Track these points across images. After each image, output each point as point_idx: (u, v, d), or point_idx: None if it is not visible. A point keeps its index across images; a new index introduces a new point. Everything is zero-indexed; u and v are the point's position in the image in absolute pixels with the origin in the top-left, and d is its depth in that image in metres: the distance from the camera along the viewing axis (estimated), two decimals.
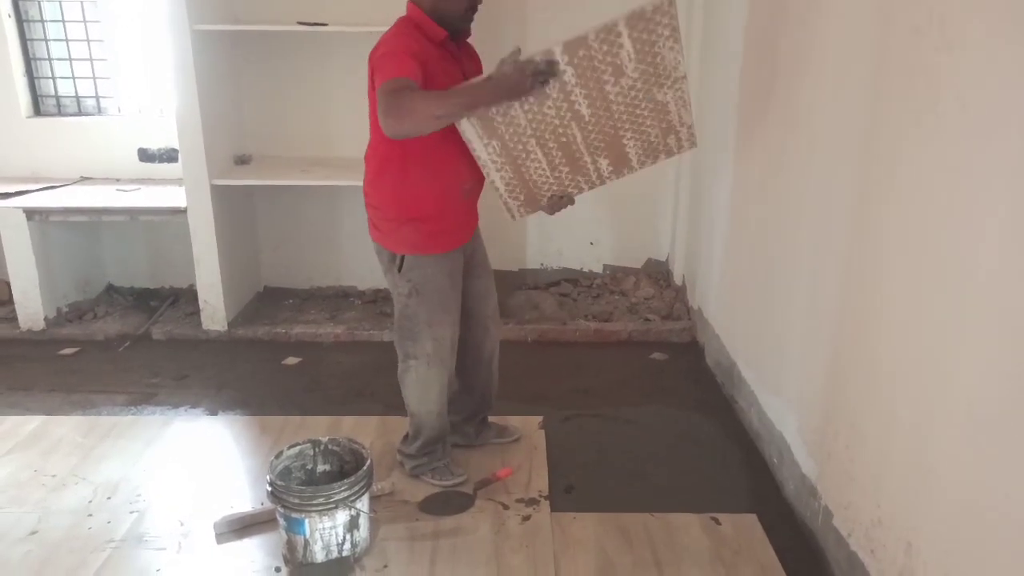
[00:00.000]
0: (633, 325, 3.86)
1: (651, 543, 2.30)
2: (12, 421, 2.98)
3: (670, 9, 2.09)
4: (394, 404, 2.58)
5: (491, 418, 2.83)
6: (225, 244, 3.77)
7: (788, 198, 2.56)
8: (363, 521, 2.21)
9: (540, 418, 3.01)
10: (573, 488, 2.61)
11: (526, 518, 2.42)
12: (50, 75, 4.13)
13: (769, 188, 2.77)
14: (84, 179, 4.10)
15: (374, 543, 2.29)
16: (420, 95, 2.03)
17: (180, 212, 3.67)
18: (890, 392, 1.85)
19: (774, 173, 2.70)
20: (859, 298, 2.02)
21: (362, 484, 2.17)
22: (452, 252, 2.41)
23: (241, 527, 2.36)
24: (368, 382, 3.32)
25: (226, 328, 3.82)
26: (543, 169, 2.30)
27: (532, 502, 2.50)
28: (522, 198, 2.37)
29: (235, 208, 3.90)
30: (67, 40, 4.07)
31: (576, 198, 2.41)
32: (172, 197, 3.76)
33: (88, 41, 4.07)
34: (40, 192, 3.84)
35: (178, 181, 3.76)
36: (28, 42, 4.05)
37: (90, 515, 2.42)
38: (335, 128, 4.04)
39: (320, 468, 2.36)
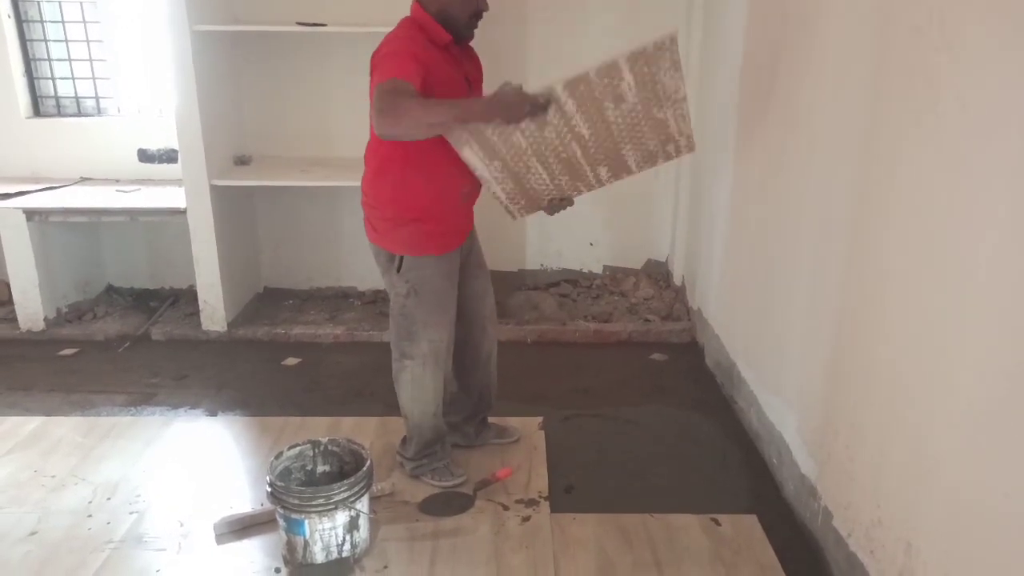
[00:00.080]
0: (633, 326, 3.86)
1: (651, 543, 2.30)
2: (12, 421, 2.98)
3: (671, 46, 2.09)
4: (394, 404, 2.58)
5: (491, 419, 2.83)
6: (225, 245, 3.77)
7: (788, 198, 2.56)
8: (363, 522, 2.21)
9: (540, 419, 3.01)
10: (573, 488, 2.61)
11: (526, 519, 2.42)
12: (50, 76, 4.13)
13: (769, 188, 2.77)
14: (84, 180, 4.10)
15: (374, 544, 2.29)
16: (416, 101, 2.01)
17: (180, 213, 3.67)
18: (890, 392, 1.85)
19: (774, 173, 2.70)
20: (859, 298, 2.02)
21: (362, 485, 2.17)
22: (450, 253, 2.41)
23: (241, 528, 2.36)
24: (368, 382, 3.32)
25: (226, 329, 3.82)
26: (544, 180, 2.33)
27: (532, 503, 2.50)
28: (523, 203, 2.41)
29: (235, 209, 3.90)
30: (67, 41, 4.07)
31: (576, 207, 2.45)
32: (172, 198, 3.76)
33: (88, 42, 4.07)
34: (40, 193, 3.84)
35: (178, 182, 3.76)
36: (28, 43, 4.05)
37: (90, 515, 2.42)
38: (334, 128, 4.04)
39: (320, 469, 2.36)
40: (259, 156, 4.04)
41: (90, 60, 4.10)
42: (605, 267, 4.43)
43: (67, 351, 3.69)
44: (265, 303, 4.21)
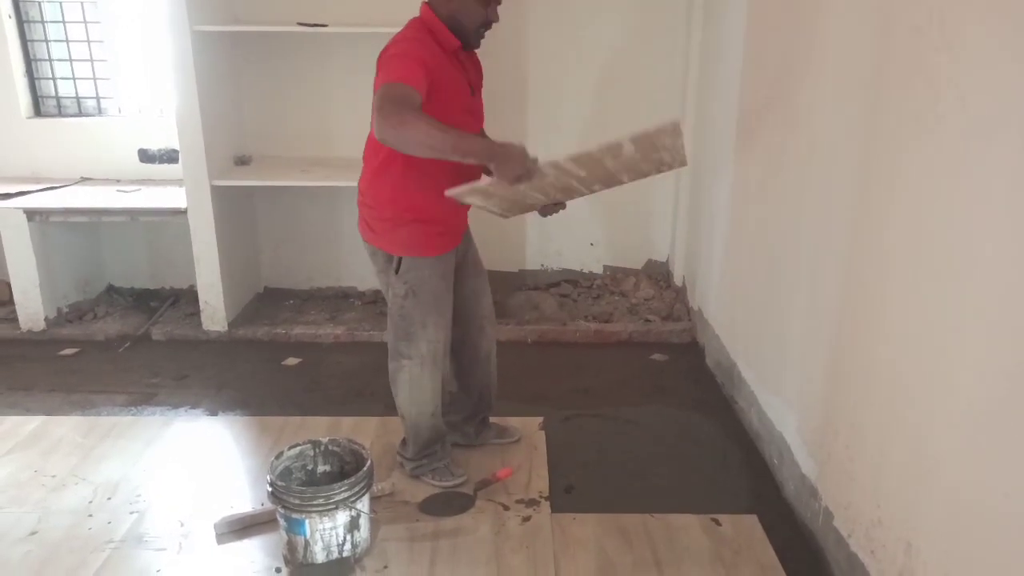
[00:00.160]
0: (633, 326, 3.86)
1: (651, 544, 2.30)
2: (12, 421, 2.98)
3: (675, 130, 2.11)
4: (394, 404, 2.58)
5: (492, 419, 2.83)
6: (225, 245, 3.77)
7: (788, 198, 2.56)
8: (363, 522, 2.21)
9: (540, 419, 3.01)
10: (573, 488, 2.61)
11: (526, 519, 2.42)
12: (50, 76, 4.13)
13: (769, 188, 2.77)
14: (84, 180, 4.11)
15: (374, 544, 2.29)
16: (423, 120, 1.97)
17: (180, 213, 3.67)
18: (890, 392, 1.85)
19: (774, 173, 2.71)
20: (859, 298, 2.02)
21: (362, 485, 2.17)
22: (446, 254, 2.41)
23: (241, 528, 2.36)
24: (368, 382, 3.33)
25: (226, 328, 3.82)
26: (538, 199, 2.35)
27: (532, 503, 2.50)
28: (516, 211, 2.45)
29: (235, 209, 3.91)
30: (67, 41, 4.08)
31: (576, 202, 2.46)
32: (172, 198, 3.76)
33: (88, 42, 4.07)
34: (40, 193, 3.84)
35: (178, 182, 3.77)
36: (28, 43, 4.05)
37: (90, 515, 2.42)
38: (335, 128, 4.04)
39: (320, 469, 2.37)
40: (260, 156, 4.04)
41: (91, 60, 4.10)
42: (605, 267, 4.43)
43: (67, 351, 3.69)
44: (265, 303, 4.21)
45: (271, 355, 3.66)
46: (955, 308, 1.58)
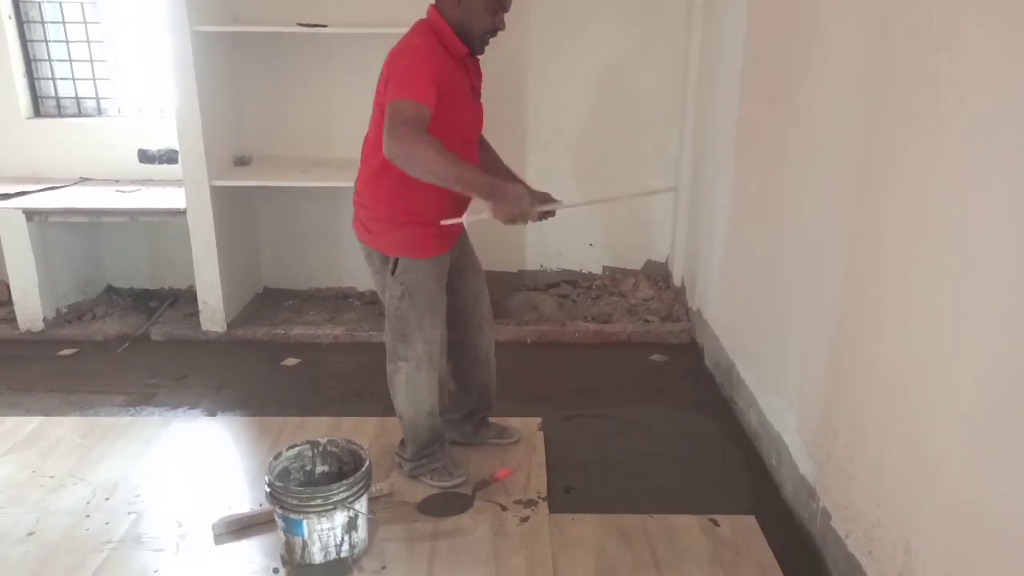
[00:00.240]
0: (632, 326, 3.86)
1: (650, 544, 2.30)
2: (11, 422, 2.98)
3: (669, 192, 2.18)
4: (393, 405, 2.58)
5: (491, 419, 2.83)
6: (224, 245, 3.77)
7: (788, 198, 2.56)
8: (361, 522, 2.21)
9: (539, 419, 3.00)
10: (572, 489, 2.60)
11: (525, 519, 2.42)
12: (50, 76, 4.13)
13: (769, 188, 2.77)
14: (84, 180, 4.10)
15: (372, 544, 2.29)
16: (433, 150, 2.02)
17: (180, 213, 3.67)
18: (889, 392, 1.85)
19: (774, 173, 2.70)
20: (859, 298, 2.02)
21: (361, 485, 2.17)
22: (442, 256, 2.41)
23: (239, 528, 2.35)
24: (367, 383, 3.32)
25: (225, 329, 3.82)
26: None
27: (531, 503, 2.50)
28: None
29: (235, 209, 3.90)
30: (67, 41, 4.07)
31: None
32: (172, 198, 3.76)
33: (88, 42, 4.07)
34: (40, 193, 3.84)
35: (178, 182, 3.76)
36: (28, 43, 4.05)
37: (88, 516, 2.42)
38: (335, 129, 4.04)
39: (319, 469, 2.36)
40: (260, 157, 4.04)
41: (91, 61, 4.10)
42: (605, 268, 4.42)
43: (66, 351, 3.69)
44: (265, 303, 4.21)
45: (270, 355, 3.66)
46: (955, 308, 1.58)
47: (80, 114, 4.18)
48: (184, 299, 4.18)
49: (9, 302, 3.88)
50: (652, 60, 4.00)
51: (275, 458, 2.27)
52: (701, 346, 3.66)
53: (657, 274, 4.38)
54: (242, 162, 3.92)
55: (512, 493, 2.54)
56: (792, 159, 2.53)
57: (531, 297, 4.17)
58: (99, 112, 4.19)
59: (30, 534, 2.33)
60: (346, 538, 2.17)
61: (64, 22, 4.04)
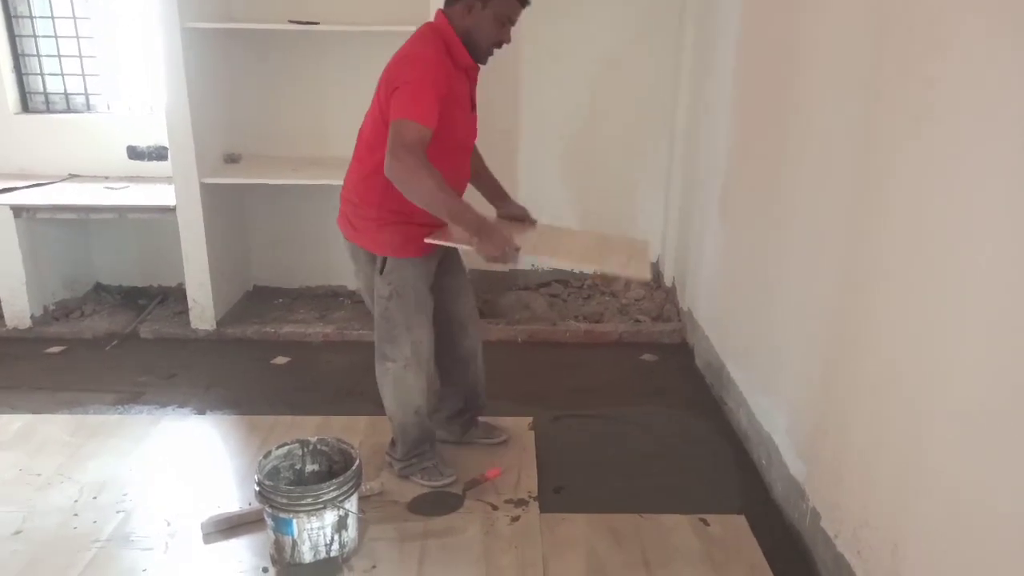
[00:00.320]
0: (623, 326, 3.86)
1: (640, 544, 2.30)
2: None
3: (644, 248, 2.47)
4: (383, 404, 2.58)
5: (481, 418, 2.83)
6: (214, 243, 3.75)
7: (781, 199, 2.57)
8: (351, 521, 2.20)
9: (530, 419, 3.01)
10: (562, 489, 2.60)
11: (515, 519, 2.42)
12: (39, 71, 4.09)
13: (761, 189, 2.77)
14: (72, 176, 4.07)
15: (362, 543, 2.28)
16: (431, 178, 2.07)
17: (169, 210, 3.65)
18: (879, 394, 1.86)
19: (766, 174, 2.71)
20: (850, 300, 2.03)
21: (351, 484, 2.16)
22: (429, 256, 2.41)
23: (229, 527, 2.34)
24: (358, 382, 3.31)
25: (215, 327, 3.80)
26: None
27: (521, 503, 2.50)
28: None
29: (225, 207, 3.89)
30: (56, 36, 4.04)
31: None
32: (161, 195, 3.74)
33: (77, 38, 4.04)
34: (28, 189, 3.80)
35: (167, 179, 3.74)
36: (17, 38, 4.01)
37: (76, 514, 2.40)
38: (326, 127, 4.03)
39: (309, 468, 2.35)
40: (250, 154, 4.02)
41: (80, 56, 4.07)
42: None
43: (54, 349, 3.66)
44: (255, 301, 4.19)
45: (260, 354, 3.64)
46: (947, 311, 1.59)
47: (69, 110, 4.15)
48: (173, 297, 4.16)
49: None
50: (645, 57, 4.01)
51: (265, 457, 2.26)
52: (692, 346, 3.67)
53: None
54: (232, 159, 3.91)
55: (503, 493, 2.54)
56: (786, 159, 2.53)
57: (522, 296, 4.17)
58: (88, 108, 4.16)
59: (17, 533, 2.31)
60: (336, 537, 2.16)
61: (53, 17, 4.01)
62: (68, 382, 3.33)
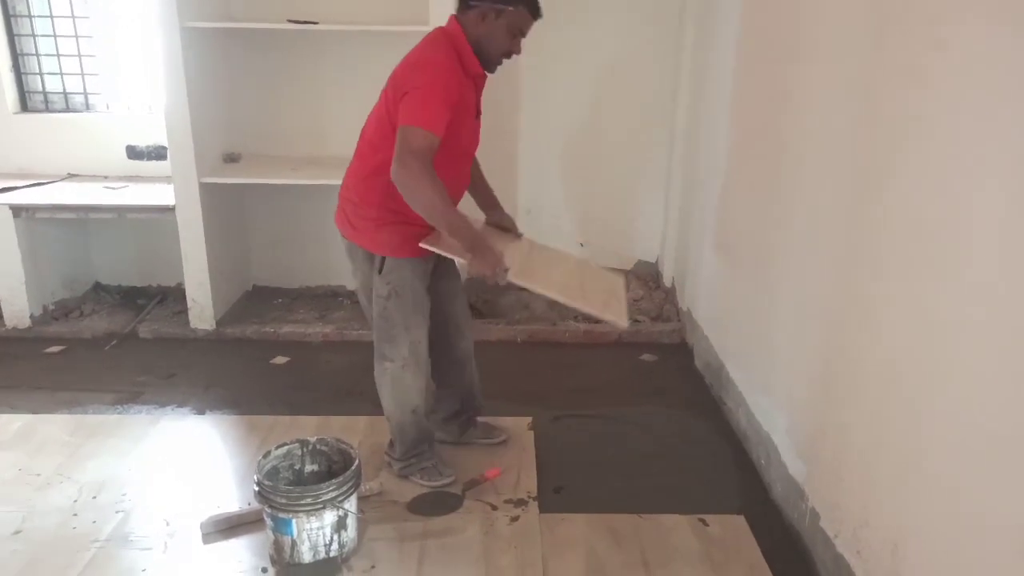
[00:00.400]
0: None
1: (640, 544, 2.30)
2: None
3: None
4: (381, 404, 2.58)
5: (480, 418, 2.83)
6: (213, 242, 3.75)
7: (779, 200, 2.57)
8: (351, 521, 2.20)
9: (529, 419, 3.00)
10: (562, 489, 2.60)
11: (514, 519, 2.42)
12: (38, 71, 4.09)
13: (760, 190, 2.77)
14: (71, 176, 4.07)
15: (362, 543, 2.28)
16: (435, 189, 2.10)
17: (168, 210, 3.65)
18: (879, 394, 1.86)
19: (765, 175, 2.71)
20: (849, 300, 2.03)
21: (350, 484, 2.16)
22: (427, 256, 2.40)
23: (228, 527, 2.34)
24: (357, 382, 3.31)
25: (214, 327, 3.80)
26: None
27: (520, 503, 2.50)
28: None
29: (224, 206, 3.88)
30: (55, 36, 4.04)
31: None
32: (160, 195, 3.73)
33: (77, 37, 4.03)
34: (27, 189, 3.80)
35: (166, 179, 3.74)
36: (16, 37, 4.01)
37: (75, 514, 2.40)
38: (325, 127, 4.02)
39: (308, 468, 2.35)
40: (249, 154, 4.02)
41: (79, 56, 4.06)
42: None
43: (53, 349, 3.66)
44: (254, 301, 4.19)
45: (259, 354, 3.64)
46: (946, 310, 1.59)
47: (68, 109, 4.14)
48: (173, 296, 4.16)
49: None
50: (646, 60, 4.00)
51: (264, 457, 2.26)
52: (691, 346, 3.67)
53: (647, 274, 4.39)
54: (232, 159, 3.90)
55: (502, 493, 2.54)
56: (784, 160, 2.54)
57: (522, 296, 4.16)
58: (87, 108, 4.16)
59: (17, 532, 2.31)
60: (335, 537, 2.16)
61: (52, 16, 4.00)
62: (67, 382, 3.33)
